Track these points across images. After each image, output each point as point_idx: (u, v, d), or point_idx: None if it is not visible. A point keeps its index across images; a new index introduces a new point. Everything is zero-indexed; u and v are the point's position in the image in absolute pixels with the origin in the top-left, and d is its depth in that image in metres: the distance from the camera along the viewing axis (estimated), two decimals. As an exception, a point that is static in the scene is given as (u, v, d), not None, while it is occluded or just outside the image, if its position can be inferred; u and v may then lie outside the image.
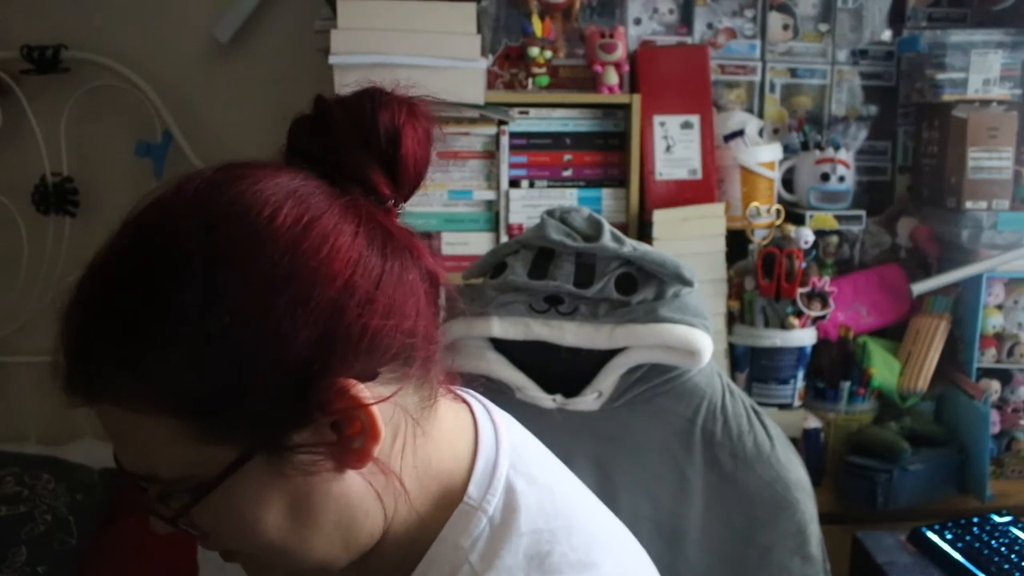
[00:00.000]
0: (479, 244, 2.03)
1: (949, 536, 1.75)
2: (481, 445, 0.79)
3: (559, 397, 1.44)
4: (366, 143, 0.70)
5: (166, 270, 0.64)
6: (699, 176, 2.07)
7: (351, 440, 0.68)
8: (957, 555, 1.69)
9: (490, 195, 2.04)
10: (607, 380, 1.41)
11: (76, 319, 0.66)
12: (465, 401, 0.85)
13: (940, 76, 2.05)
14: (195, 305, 0.63)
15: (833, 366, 2.04)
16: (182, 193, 0.67)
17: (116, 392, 0.65)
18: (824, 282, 1.98)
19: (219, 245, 0.64)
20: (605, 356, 1.41)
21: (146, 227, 0.67)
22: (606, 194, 2.06)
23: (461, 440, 0.80)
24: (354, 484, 0.71)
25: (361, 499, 0.72)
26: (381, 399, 0.68)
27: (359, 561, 0.76)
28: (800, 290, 1.97)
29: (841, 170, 2.10)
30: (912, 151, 2.23)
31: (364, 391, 0.67)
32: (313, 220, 0.66)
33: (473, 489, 0.76)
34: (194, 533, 0.71)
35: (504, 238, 2.02)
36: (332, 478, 0.69)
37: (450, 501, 0.76)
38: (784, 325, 1.98)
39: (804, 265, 1.99)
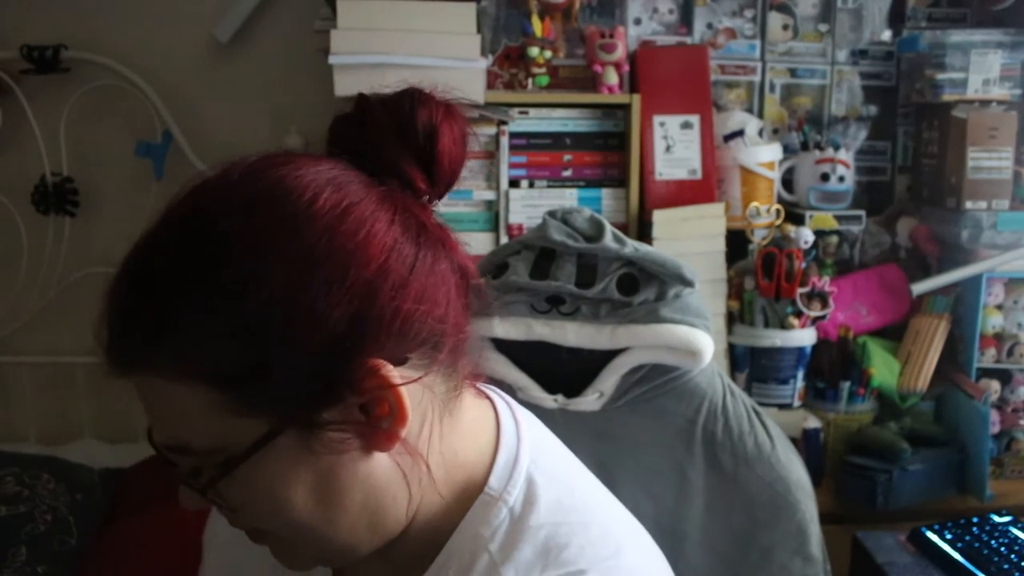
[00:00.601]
0: (479, 244, 2.03)
1: (949, 536, 1.75)
2: (503, 439, 0.81)
3: (560, 397, 1.44)
4: (404, 138, 0.73)
5: (208, 246, 0.66)
6: (699, 176, 2.07)
7: (379, 421, 0.70)
8: (957, 555, 1.69)
9: (490, 195, 2.04)
10: (608, 380, 1.41)
11: (121, 290, 0.68)
12: (487, 397, 0.86)
13: (940, 76, 2.05)
14: (235, 281, 0.65)
15: (833, 366, 2.05)
16: (227, 176, 0.70)
17: (155, 361, 0.67)
18: (824, 282, 1.98)
19: (260, 225, 0.66)
20: (606, 356, 1.41)
21: (191, 207, 0.69)
22: (606, 194, 2.06)
23: (483, 433, 0.81)
24: (381, 467, 0.72)
25: (388, 483, 0.73)
26: (410, 380, 0.70)
27: (384, 549, 0.77)
28: (800, 290, 1.97)
29: (841, 170, 2.10)
30: (912, 151, 2.23)
31: (393, 372, 0.69)
32: (351, 205, 0.69)
33: (494, 480, 0.77)
34: (222, 507, 0.73)
35: (504, 238, 2.03)
36: (360, 459, 0.71)
37: (472, 492, 0.77)
38: (784, 325, 1.98)
39: (804, 265, 1.99)
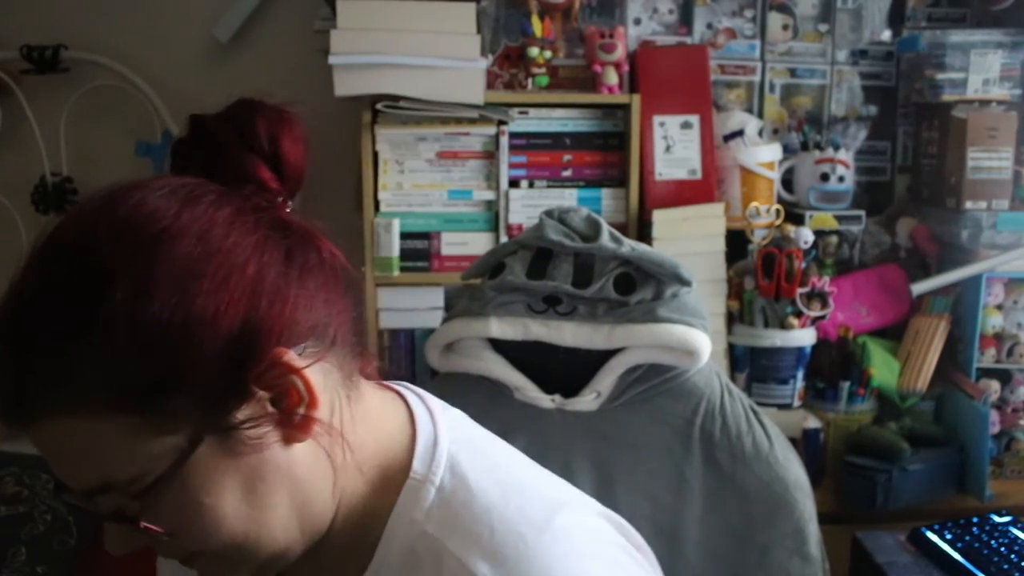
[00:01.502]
0: (479, 244, 2.03)
1: (949, 536, 1.75)
2: (418, 424, 0.82)
3: (558, 397, 1.44)
4: (249, 145, 0.76)
5: (88, 275, 0.66)
6: (699, 176, 2.07)
7: (293, 410, 0.71)
8: (957, 555, 1.69)
9: (490, 195, 2.04)
10: (605, 380, 1.41)
11: (4, 346, 0.67)
12: (392, 389, 0.87)
13: (940, 76, 2.05)
14: (124, 301, 0.65)
15: (833, 366, 2.04)
16: (81, 213, 0.70)
17: (61, 403, 0.66)
18: (824, 282, 1.98)
19: (132, 246, 0.67)
20: (603, 356, 1.41)
21: (56, 246, 0.69)
22: (606, 194, 2.06)
23: (393, 420, 0.82)
24: (302, 459, 0.73)
25: (310, 474, 0.74)
26: (314, 361, 0.71)
27: (313, 551, 0.77)
28: (800, 290, 1.97)
29: (841, 170, 2.10)
30: (912, 151, 2.23)
31: (296, 358, 0.70)
32: (215, 213, 0.70)
33: (418, 464, 0.78)
34: (153, 538, 0.71)
35: (504, 238, 2.03)
36: (280, 453, 0.72)
37: (396, 482, 0.78)
38: (784, 325, 1.98)
39: (804, 265, 1.99)
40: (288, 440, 0.72)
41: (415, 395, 0.87)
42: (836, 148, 2.11)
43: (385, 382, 0.87)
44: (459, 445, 0.81)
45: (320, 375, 0.73)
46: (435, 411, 0.85)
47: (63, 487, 0.72)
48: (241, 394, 0.69)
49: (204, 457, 0.68)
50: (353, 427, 0.77)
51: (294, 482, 0.73)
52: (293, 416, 0.71)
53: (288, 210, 0.78)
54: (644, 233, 2.01)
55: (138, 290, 0.65)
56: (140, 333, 0.65)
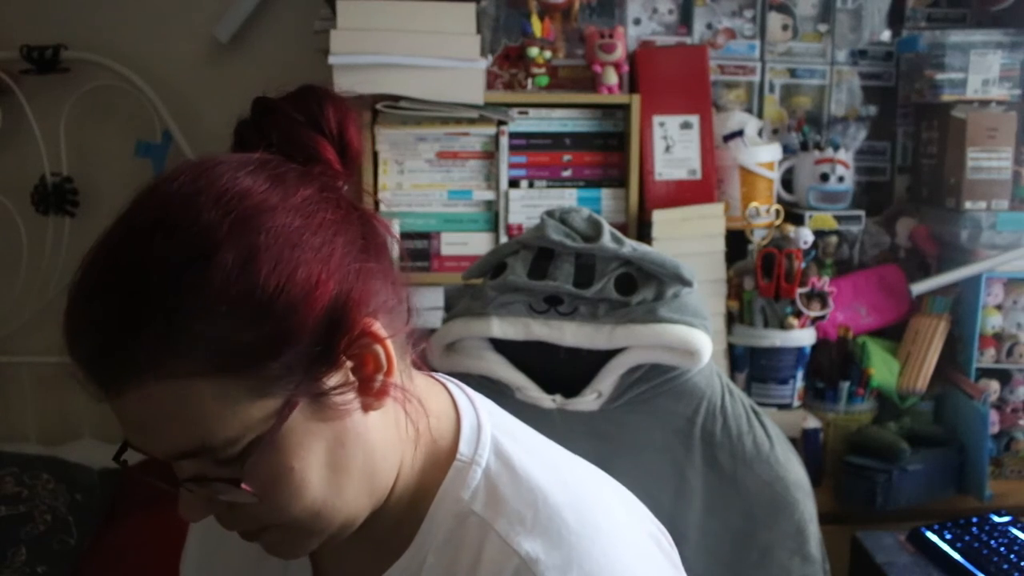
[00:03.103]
0: (479, 244, 2.03)
1: (948, 536, 1.75)
2: (461, 410, 0.85)
3: (559, 397, 1.44)
4: (320, 129, 0.78)
5: (197, 242, 0.68)
6: (698, 176, 2.07)
7: (372, 377, 0.74)
8: (956, 555, 1.69)
9: (489, 195, 2.04)
10: (607, 380, 1.41)
11: (109, 303, 0.68)
12: (431, 375, 0.89)
13: (939, 76, 2.05)
14: (233, 266, 0.67)
15: (832, 366, 2.05)
16: (178, 181, 0.72)
17: (169, 365, 0.67)
18: (823, 282, 1.98)
19: (237, 215, 0.69)
20: (605, 356, 1.42)
21: (160, 212, 0.70)
22: (605, 194, 2.06)
23: (440, 403, 0.85)
24: (374, 427, 0.76)
25: (381, 443, 0.77)
26: (397, 332, 0.76)
27: (364, 524, 0.79)
28: (799, 290, 1.97)
29: (840, 170, 2.10)
30: (911, 151, 2.23)
31: (381, 328, 0.73)
32: (303, 188, 0.73)
33: (464, 447, 0.81)
34: (226, 511, 0.74)
35: (504, 238, 2.03)
36: (360, 420, 0.74)
37: (443, 462, 0.81)
38: (783, 325, 1.98)
39: (803, 265, 1.99)
40: (366, 407, 0.74)
41: (455, 385, 0.89)
42: (836, 148, 2.11)
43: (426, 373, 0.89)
44: (499, 430, 0.84)
45: (392, 347, 0.76)
46: (473, 397, 0.87)
47: (145, 451, 0.72)
48: (332, 361, 0.71)
49: (296, 422, 0.71)
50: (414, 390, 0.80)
51: (367, 449, 0.75)
52: (372, 383, 0.74)
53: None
54: (644, 233, 2.01)
55: (245, 257, 0.68)
56: (248, 298, 0.67)
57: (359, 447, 0.75)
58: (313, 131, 0.78)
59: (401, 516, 0.80)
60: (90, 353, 0.69)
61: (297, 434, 0.71)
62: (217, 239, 0.68)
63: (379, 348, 0.73)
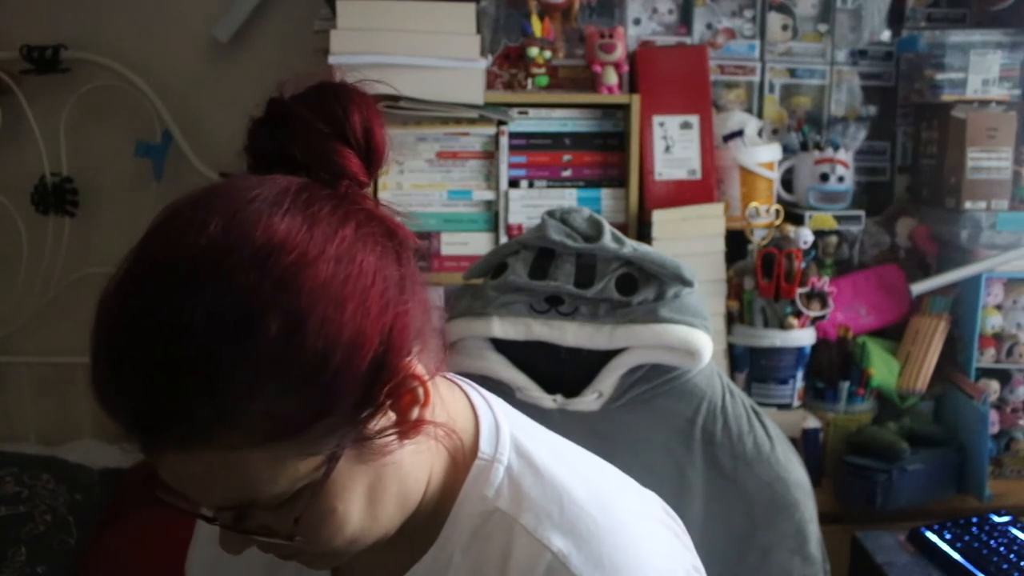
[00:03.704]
0: (479, 244, 2.03)
1: (948, 536, 1.75)
2: (479, 410, 0.85)
3: (559, 397, 1.44)
4: (345, 139, 0.74)
5: (239, 307, 0.64)
6: (698, 176, 2.07)
7: (408, 412, 0.73)
8: (956, 555, 1.69)
9: (489, 195, 2.04)
10: (607, 380, 1.41)
11: (148, 378, 0.65)
12: (447, 377, 0.89)
13: (939, 76, 2.05)
14: (280, 333, 0.64)
15: (832, 366, 2.05)
16: (206, 232, 0.66)
17: (212, 439, 0.65)
18: (823, 282, 1.98)
19: (277, 275, 0.65)
20: (605, 356, 1.42)
21: (187, 269, 0.65)
22: (605, 194, 2.06)
23: (459, 405, 0.85)
24: (408, 453, 0.75)
25: (413, 466, 0.77)
26: (434, 372, 0.75)
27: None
28: (799, 290, 1.97)
29: (840, 170, 2.10)
30: (911, 151, 2.23)
31: (420, 366, 0.73)
32: (341, 227, 0.69)
33: (485, 446, 0.82)
34: (265, 543, 0.73)
35: (504, 238, 2.03)
36: (396, 453, 0.74)
37: (465, 463, 0.81)
38: (783, 325, 1.98)
39: (803, 265, 1.99)
40: (403, 439, 0.74)
41: (469, 386, 0.89)
42: (836, 148, 2.11)
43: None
44: (518, 430, 0.85)
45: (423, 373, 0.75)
46: (488, 398, 0.88)
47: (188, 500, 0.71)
48: (376, 408, 0.70)
49: (341, 468, 0.70)
50: (436, 414, 0.79)
51: (402, 476, 0.76)
52: (409, 416, 0.73)
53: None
54: (644, 233, 2.01)
55: (290, 322, 0.65)
56: (294, 366, 0.65)
57: (395, 476, 0.75)
58: (339, 142, 0.74)
59: (428, 516, 0.80)
60: (129, 419, 0.67)
61: (341, 479, 0.71)
62: (258, 307, 0.64)
63: (418, 386, 0.72)
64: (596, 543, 0.77)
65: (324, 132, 0.74)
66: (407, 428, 0.73)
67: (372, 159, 0.76)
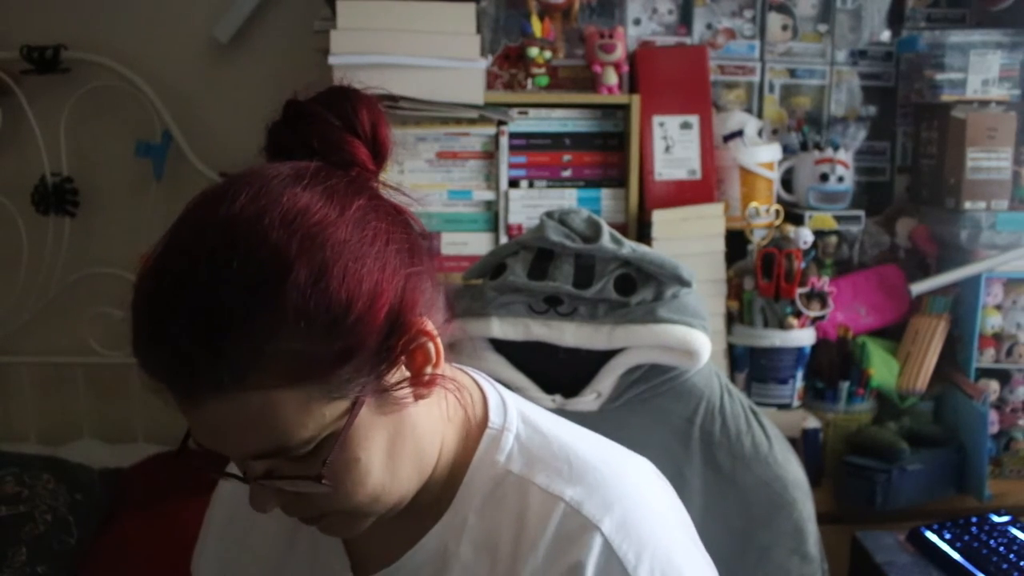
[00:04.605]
0: (478, 244, 2.03)
1: (948, 536, 1.75)
2: (485, 387, 0.92)
3: (558, 397, 1.44)
4: (355, 132, 0.81)
5: (271, 259, 0.71)
6: (698, 176, 2.07)
7: (422, 370, 0.79)
8: (956, 555, 1.69)
9: (489, 195, 2.04)
10: (606, 380, 1.42)
11: (190, 328, 0.71)
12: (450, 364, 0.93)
13: (939, 76, 2.05)
14: (306, 283, 0.71)
15: (832, 366, 2.05)
16: (237, 202, 0.74)
17: (249, 379, 0.71)
18: (823, 282, 1.98)
19: (302, 233, 0.72)
20: (604, 357, 1.42)
21: (225, 233, 0.72)
22: (605, 194, 2.06)
23: (466, 383, 0.91)
24: (423, 413, 0.82)
25: (428, 427, 0.83)
26: (444, 329, 0.81)
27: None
28: (799, 290, 1.97)
29: (840, 170, 2.10)
30: (911, 151, 2.23)
31: (431, 325, 0.79)
32: (355, 198, 0.77)
33: (494, 416, 0.89)
34: (291, 500, 0.79)
35: (504, 238, 2.03)
36: (412, 410, 0.80)
37: (475, 433, 0.88)
38: (783, 325, 1.98)
39: (803, 265, 1.99)
40: (417, 397, 0.80)
41: (468, 368, 0.96)
42: (835, 148, 2.11)
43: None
44: (522, 404, 0.92)
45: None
46: (490, 379, 0.95)
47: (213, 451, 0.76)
48: (392, 360, 0.77)
49: (363, 418, 0.76)
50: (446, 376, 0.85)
51: (417, 435, 0.82)
52: (423, 375, 0.79)
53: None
54: (644, 233, 2.01)
55: (317, 272, 0.72)
56: (321, 312, 0.72)
57: (411, 434, 0.81)
58: (349, 134, 0.81)
59: (439, 486, 0.86)
60: (173, 368, 0.73)
61: (363, 428, 0.76)
62: (288, 259, 0.71)
63: (430, 343, 0.78)
64: (605, 491, 0.83)
65: (336, 125, 0.81)
66: (421, 383, 0.79)
67: (379, 151, 0.83)
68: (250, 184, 0.75)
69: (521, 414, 0.90)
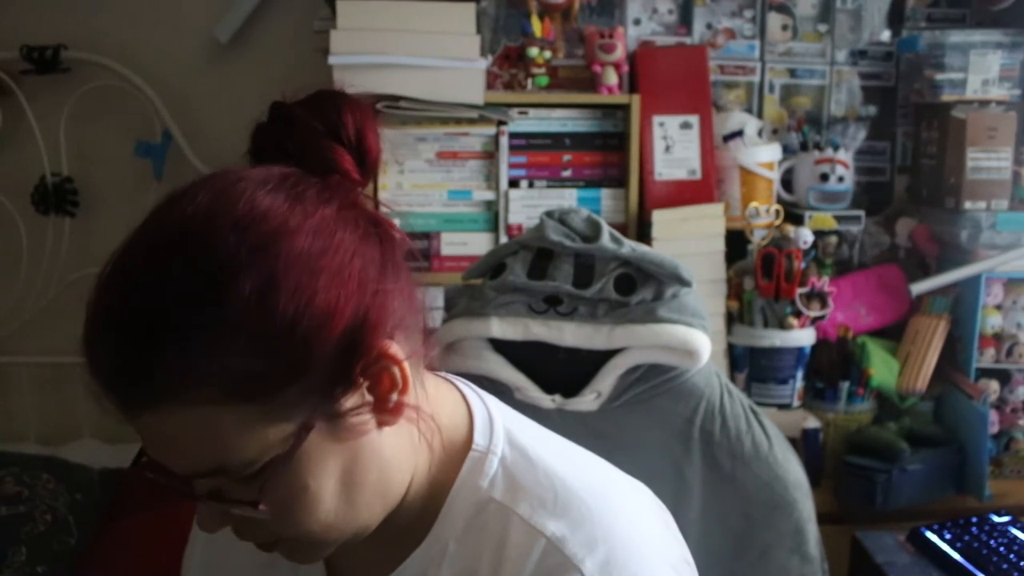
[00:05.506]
0: (478, 244, 2.03)
1: (948, 536, 1.75)
2: (472, 403, 0.86)
3: (558, 397, 1.44)
4: (338, 138, 0.77)
5: (215, 268, 0.67)
6: (698, 176, 2.07)
7: (387, 396, 0.74)
8: (956, 555, 1.69)
9: (489, 195, 2.04)
10: (606, 380, 1.42)
11: (128, 330, 0.68)
12: (440, 376, 0.90)
13: (939, 76, 2.05)
14: (251, 295, 0.67)
15: (832, 366, 2.05)
16: (195, 205, 0.70)
17: (186, 392, 0.68)
18: (823, 282, 1.98)
19: (255, 240, 0.68)
20: (604, 356, 1.42)
21: (173, 232, 0.70)
22: (605, 194, 2.06)
23: (451, 399, 0.86)
24: (388, 440, 0.76)
25: (394, 455, 0.77)
26: (413, 354, 0.76)
27: (383, 520, 0.80)
28: (799, 290, 1.97)
29: (840, 170, 2.10)
30: (911, 151, 2.23)
31: (398, 349, 0.74)
32: (323, 206, 0.73)
33: (479, 437, 0.83)
34: (241, 523, 0.75)
35: (503, 238, 2.03)
36: (374, 437, 0.75)
37: (458, 455, 0.82)
38: (783, 325, 1.98)
39: (803, 265, 1.99)
40: (381, 424, 0.75)
41: (460, 380, 0.91)
42: (835, 148, 2.11)
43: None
44: (511, 422, 0.86)
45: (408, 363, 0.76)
46: (481, 394, 0.89)
47: (157, 467, 0.73)
48: (348, 383, 0.72)
49: (312, 443, 0.71)
50: (426, 403, 0.80)
51: (381, 464, 0.76)
52: (387, 401, 0.74)
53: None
54: (644, 233, 2.01)
55: (264, 284, 0.67)
56: (265, 328, 0.67)
57: (373, 463, 0.76)
58: (331, 140, 0.77)
59: (418, 510, 0.81)
60: (108, 375, 0.70)
61: (313, 454, 0.72)
62: (235, 267, 0.67)
63: (395, 368, 0.74)
64: (590, 527, 0.78)
65: (319, 131, 0.77)
66: (385, 411, 0.74)
67: (364, 159, 0.79)
68: (213, 186, 0.72)
69: (508, 433, 0.84)
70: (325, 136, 0.77)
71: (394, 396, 0.74)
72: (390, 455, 0.77)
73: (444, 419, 0.83)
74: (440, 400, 0.84)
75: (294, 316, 0.68)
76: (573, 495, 0.80)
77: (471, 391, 0.89)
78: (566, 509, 0.79)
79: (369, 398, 0.74)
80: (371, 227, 0.75)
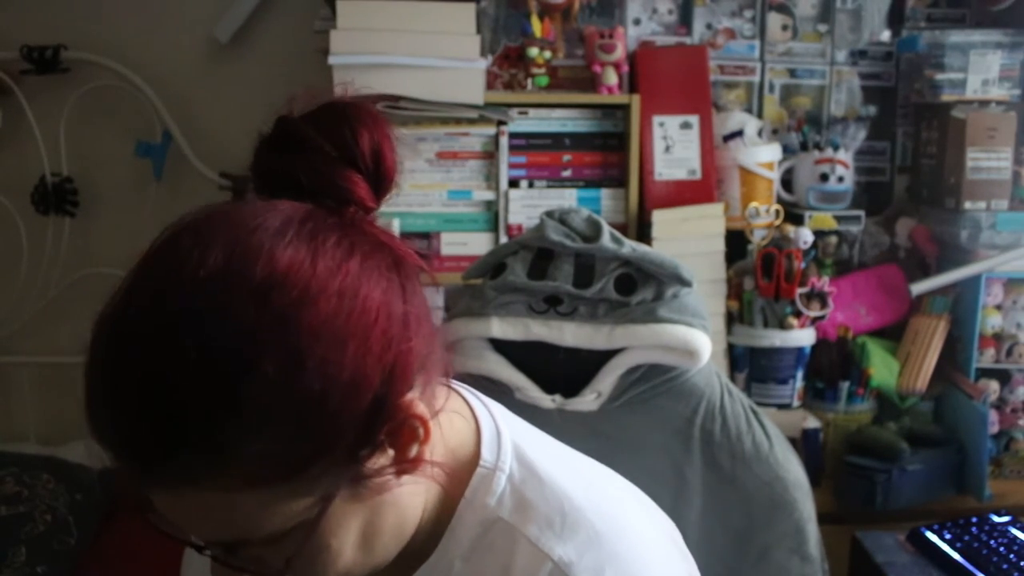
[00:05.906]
0: (478, 244, 2.03)
1: (948, 536, 1.75)
2: (479, 416, 0.84)
3: (558, 397, 1.44)
4: (353, 164, 0.72)
5: (236, 346, 0.63)
6: (698, 176, 2.07)
7: (407, 450, 0.71)
8: (956, 555, 1.69)
9: (489, 195, 2.04)
10: (606, 380, 1.42)
11: (139, 414, 0.64)
12: (448, 386, 0.87)
13: (939, 76, 2.05)
14: (275, 376, 0.63)
15: (832, 366, 2.05)
16: (205, 265, 0.64)
17: (204, 481, 0.64)
18: (823, 282, 1.98)
19: (276, 312, 0.63)
20: (604, 356, 1.42)
21: (187, 306, 0.64)
22: (605, 194, 2.06)
23: (459, 416, 0.84)
24: (405, 487, 0.73)
25: (410, 498, 0.75)
26: (436, 411, 0.73)
27: None
28: (799, 290, 1.97)
29: (840, 170, 2.10)
30: (911, 151, 2.23)
31: (421, 405, 0.71)
32: (346, 259, 0.67)
33: (486, 453, 0.80)
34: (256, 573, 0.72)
35: (503, 238, 2.03)
36: (393, 491, 0.72)
37: (465, 472, 0.80)
38: (783, 325, 1.98)
39: (803, 265, 1.99)
40: (400, 475, 0.72)
41: (467, 391, 0.88)
42: (835, 148, 2.11)
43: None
44: (519, 436, 0.84)
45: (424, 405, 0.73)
46: (489, 404, 0.87)
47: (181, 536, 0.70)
48: (373, 446, 0.69)
49: (336, 506, 0.69)
50: (441, 438, 0.77)
51: (399, 511, 0.74)
52: (408, 455, 0.71)
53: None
54: (644, 233, 2.01)
55: (288, 363, 0.63)
56: (292, 409, 0.63)
57: (392, 511, 0.74)
58: (347, 167, 0.72)
59: (428, 529, 0.79)
60: (115, 448, 0.66)
61: (336, 516, 0.70)
62: (256, 347, 0.62)
63: (418, 423, 0.70)
64: (597, 550, 0.77)
65: (332, 156, 0.71)
66: (405, 466, 0.71)
67: (381, 184, 0.74)
68: (225, 239, 0.65)
69: (516, 448, 0.81)
70: (339, 162, 0.71)
71: (414, 448, 0.71)
72: (407, 502, 0.75)
73: (453, 434, 0.81)
74: (448, 417, 0.81)
75: (320, 393, 0.64)
76: (581, 516, 0.78)
77: (478, 402, 0.86)
78: (574, 531, 0.77)
79: (391, 453, 0.70)
80: (393, 273, 0.70)
